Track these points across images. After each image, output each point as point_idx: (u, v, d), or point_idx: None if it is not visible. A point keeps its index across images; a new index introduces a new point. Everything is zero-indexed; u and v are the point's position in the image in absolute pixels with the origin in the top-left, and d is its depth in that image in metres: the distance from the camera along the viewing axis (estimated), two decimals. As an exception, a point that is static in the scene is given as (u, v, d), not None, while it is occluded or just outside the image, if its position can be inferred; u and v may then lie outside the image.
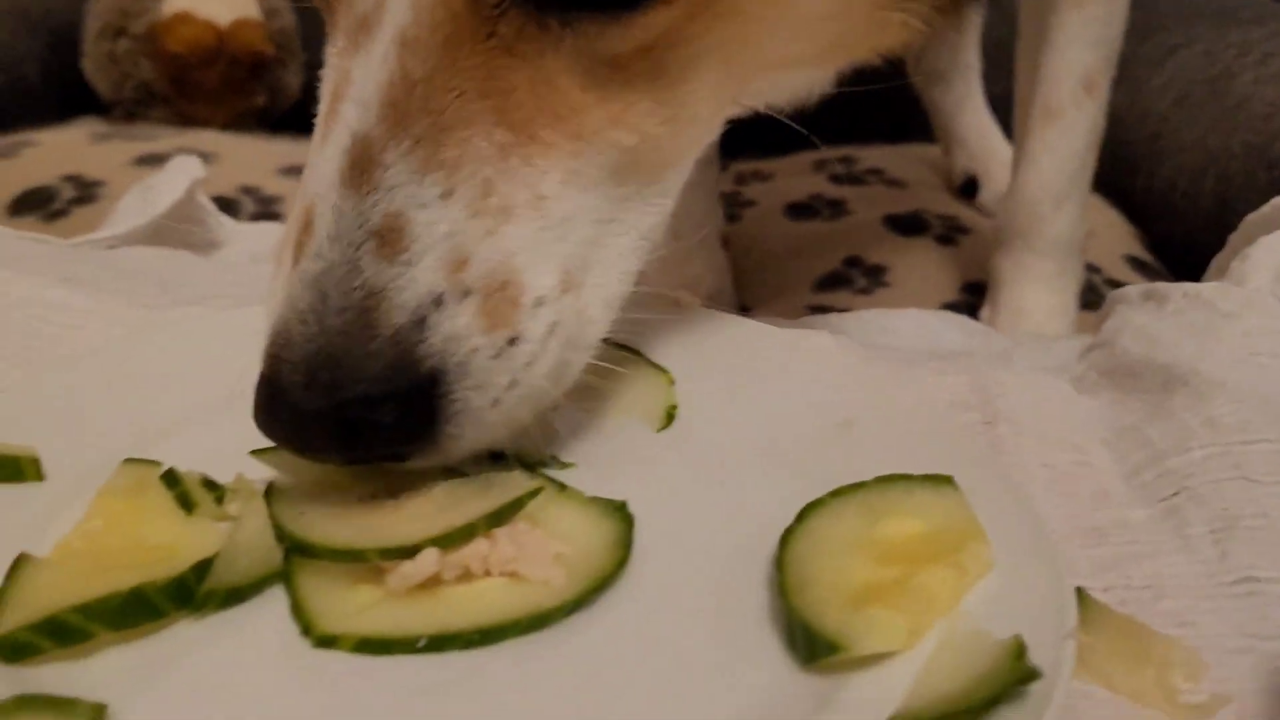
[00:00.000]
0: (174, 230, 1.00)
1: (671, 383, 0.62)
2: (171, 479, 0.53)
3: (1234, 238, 0.87)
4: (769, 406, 0.60)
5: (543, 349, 0.52)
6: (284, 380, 0.48)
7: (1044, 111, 0.95)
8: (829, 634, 0.44)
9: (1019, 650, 0.43)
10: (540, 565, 0.49)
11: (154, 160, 1.29)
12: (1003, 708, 0.41)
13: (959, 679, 0.42)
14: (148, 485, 0.53)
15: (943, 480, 0.52)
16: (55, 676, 0.44)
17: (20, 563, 0.47)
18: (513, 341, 0.51)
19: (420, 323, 0.49)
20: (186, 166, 1.05)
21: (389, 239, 0.49)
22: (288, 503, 0.52)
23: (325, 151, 0.50)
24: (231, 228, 1.09)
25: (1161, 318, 0.75)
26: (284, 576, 0.49)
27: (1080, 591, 0.48)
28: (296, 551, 0.49)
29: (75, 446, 0.56)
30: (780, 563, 0.48)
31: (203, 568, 0.48)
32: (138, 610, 0.46)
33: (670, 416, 0.60)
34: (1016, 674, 0.42)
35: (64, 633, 0.44)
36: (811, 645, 0.45)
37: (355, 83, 0.50)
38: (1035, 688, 0.42)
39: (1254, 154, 1.22)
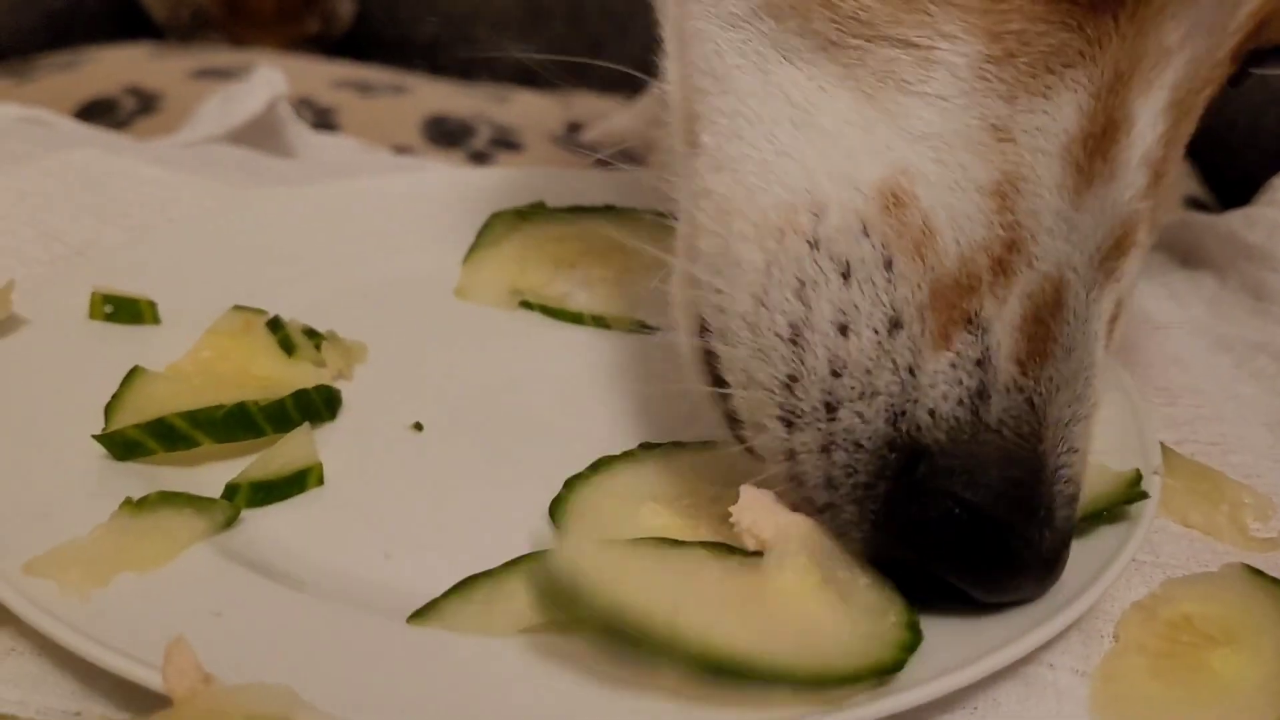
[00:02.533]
0: (250, 140, 1.02)
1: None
2: (275, 324, 0.56)
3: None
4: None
5: None
6: (1030, 515, 0.36)
7: None
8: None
9: (1136, 478, 0.45)
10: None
11: (213, 74, 1.31)
12: (1104, 526, 0.43)
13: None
14: (253, 328, 0.56)
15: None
16: (186, 483, 0.46)
17: (134, 374, 0.50)
18: None
19: None
20: (270, 80, 1.06)
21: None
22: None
23: (1084, 208, 0.37)
24: (309, 139, 1.10)
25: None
26: None
27: (1159, 441, 0.50)
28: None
29: (185, 299, 0.59)
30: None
31: (302, 396, 0.51)
32: (239, 425, 0.48)
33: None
34: (1126, 496, 0.44)
35: (170, 436, 0.47)
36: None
37: (1137, 138, 0.38)
38: (1131, 511, 0.44)
39: (1315, 89, 1.22)
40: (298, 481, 0.47)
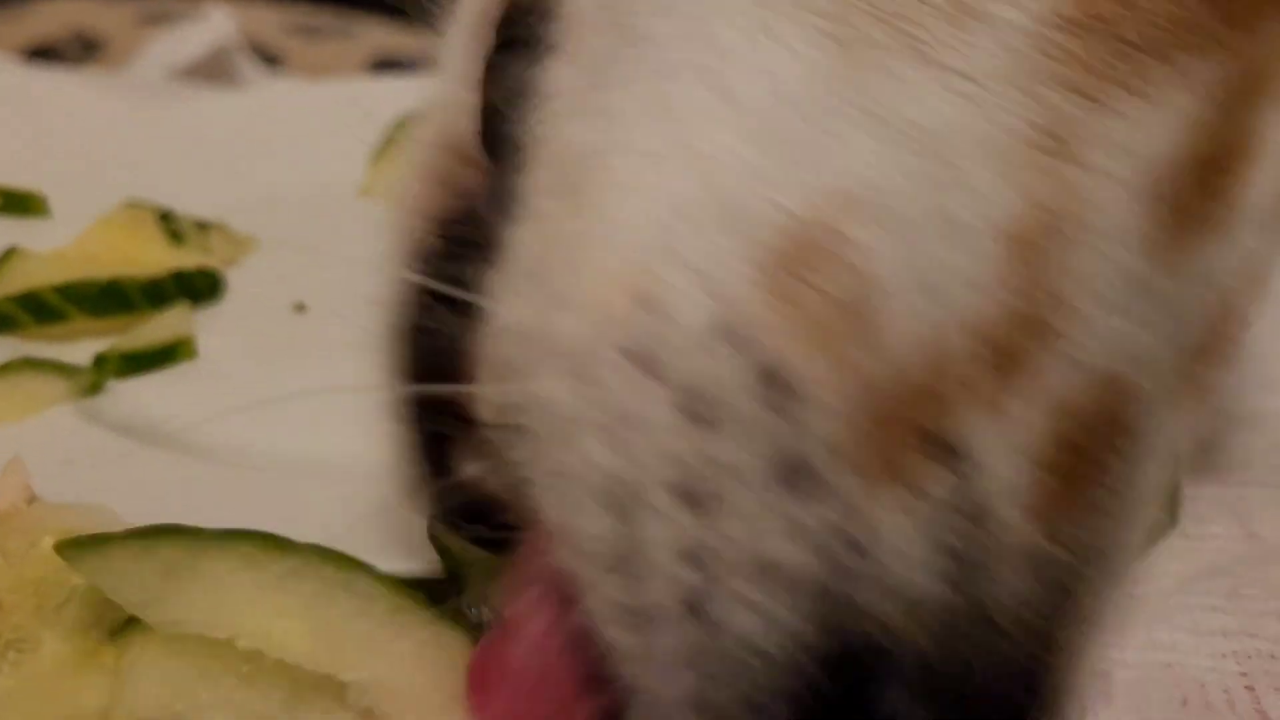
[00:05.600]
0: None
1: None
2: (167, 216, 0.56)
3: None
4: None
5: None
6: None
7: None
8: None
9: None
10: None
11: (160, 19, 1.30)
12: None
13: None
14: (144, 221, 0.56)
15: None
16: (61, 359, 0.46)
17: (10, 253, 0.50)
18: None
19: None
20: (217, 25, 1.05)
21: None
22: None
23: (1176, 273, 0.23)
24: (262, 85, 1.09)
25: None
26: None
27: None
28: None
29: (82, 197, 0.59)
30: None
31: (182, 276, 0.51)
32: (113, 300, 0.49)
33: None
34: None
35: (42, 309, 0.47)
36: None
37: (1263, 173, 0.24)
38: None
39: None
40: (168, 354, 0.47)
